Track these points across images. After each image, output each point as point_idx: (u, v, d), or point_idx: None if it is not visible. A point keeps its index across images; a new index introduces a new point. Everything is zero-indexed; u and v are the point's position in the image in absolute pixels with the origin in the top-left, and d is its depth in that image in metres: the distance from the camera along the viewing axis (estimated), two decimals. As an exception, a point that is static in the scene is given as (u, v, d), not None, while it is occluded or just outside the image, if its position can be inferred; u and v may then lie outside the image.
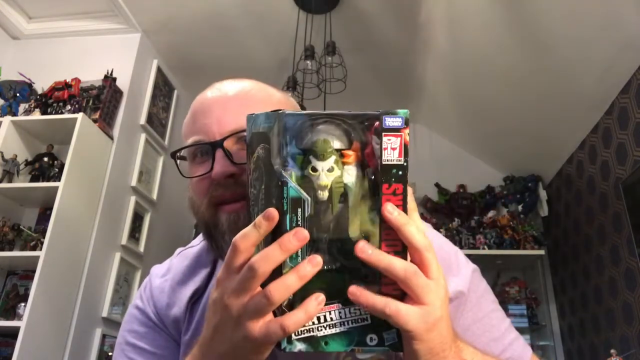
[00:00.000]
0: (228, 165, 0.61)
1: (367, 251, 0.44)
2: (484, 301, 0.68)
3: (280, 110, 0.46)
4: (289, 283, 0.43)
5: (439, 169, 3.50)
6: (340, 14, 2.68)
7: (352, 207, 0.44)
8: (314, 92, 2.54)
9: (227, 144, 0.62)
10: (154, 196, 2.91)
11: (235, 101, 0.66)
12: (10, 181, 2.28)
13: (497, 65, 2.68)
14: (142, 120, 2.82)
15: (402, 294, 0.45)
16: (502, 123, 3.11)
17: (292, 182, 0.44)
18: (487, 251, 3.05)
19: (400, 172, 0.44)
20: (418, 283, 0.44)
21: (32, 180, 2.35)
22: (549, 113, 2.76)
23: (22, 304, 2.02)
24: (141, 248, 2.73)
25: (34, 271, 2.01)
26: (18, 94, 2.58)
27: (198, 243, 0.77)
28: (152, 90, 2.90)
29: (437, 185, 3.43)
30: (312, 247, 0.44)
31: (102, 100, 2.52)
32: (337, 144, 0.44)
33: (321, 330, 0.44)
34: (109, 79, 2.59)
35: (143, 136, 2.81)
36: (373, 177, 0.44)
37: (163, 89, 3.07)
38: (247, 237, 0.44)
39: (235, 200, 0.62)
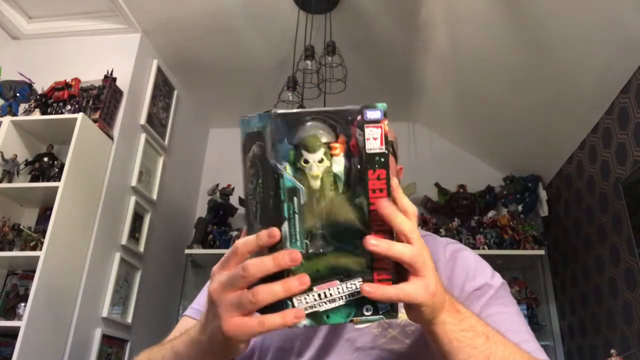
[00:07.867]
0: None
1: (381, 245, 0.48)
2: (510, 305, 0.78)
3: (272, 110, 0.48)
4: (276, 290, 0.46)
5: (439, 169, 3.50)
6: (340, 14, 2.68)
7: (342, 193, 0.49)
8: (314, 92, 2.53)
9: None
10: (154, 196, 2.90)
11: None
12: (10, 181, 2.28)
13: (497, 65, 2.68)
14: (142, 120, 2.82)
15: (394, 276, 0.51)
16: (502, 123, 3.11)
17: (287, 174, 0.48)
18: (487, 251, 3.05)
19: (382, 159, 0.49)
20: (419, 260, 0.50)
21: (32, 180, 2.35)
22: (549, 113, 2.76)
23: (22, 304, 2.02)
24: (141, 248, 2.73)
25: (34, 271, 2.01)
26: (18, 94, 2.58)
27: None
28: (152, 90, 2.89)
29: (437, 185, 3.42)
30: (308, 232, 0.48)
31: (102, 100, 2.52)
32: (324, 138, 0.49)
33: (322, 305, 0.48)
34: (109, 79, 2.59)
35: (143, 136, 2.82)
36: (359, 166, 0.49)
37: (163, 89, 3.07)
38: (247, 244, 0.49)
39: None
